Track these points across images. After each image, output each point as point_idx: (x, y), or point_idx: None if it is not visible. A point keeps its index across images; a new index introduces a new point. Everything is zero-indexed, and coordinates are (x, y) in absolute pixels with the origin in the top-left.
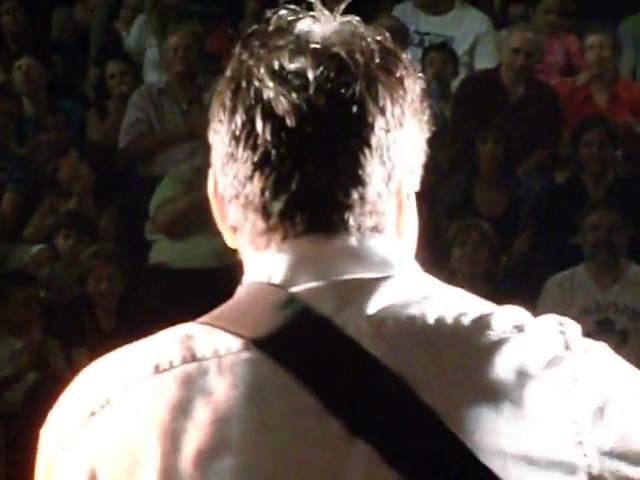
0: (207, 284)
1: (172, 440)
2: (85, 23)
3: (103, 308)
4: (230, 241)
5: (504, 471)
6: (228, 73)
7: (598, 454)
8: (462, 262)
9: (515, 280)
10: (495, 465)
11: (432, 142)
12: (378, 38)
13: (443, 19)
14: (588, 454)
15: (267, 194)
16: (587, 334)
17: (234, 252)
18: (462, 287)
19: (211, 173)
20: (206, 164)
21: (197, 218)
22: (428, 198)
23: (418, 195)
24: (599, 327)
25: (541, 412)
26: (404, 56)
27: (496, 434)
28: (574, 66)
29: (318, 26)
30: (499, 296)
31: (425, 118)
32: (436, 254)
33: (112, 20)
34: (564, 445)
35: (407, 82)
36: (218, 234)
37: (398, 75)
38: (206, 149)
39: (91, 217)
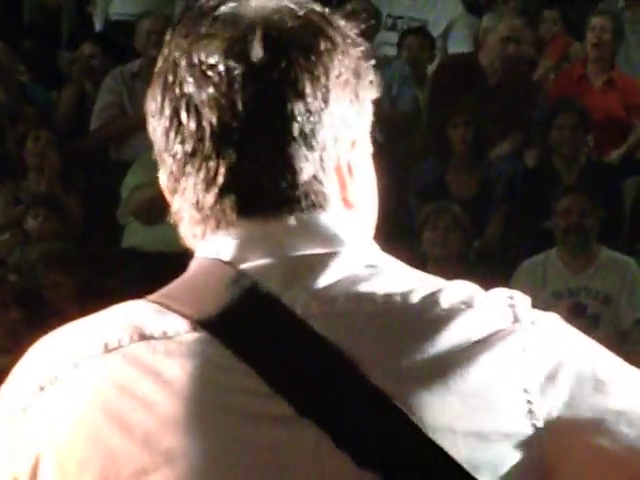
0: (180, 267)
1: (119, 420)
2: (56, 7)
3: (58, 299)
4: (179, 230)
5: (455, 447)
6: (158, 65)
7: (547, 422)
8: (434, 245)
9: (487, 264)
10: (445, 442)
11: (406, 126)
12: (300, 13)
13: (417, 3)
14: (537, 423)
15: (199, 187)
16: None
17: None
18: (434, 270)
19: (159, 166)
20: None
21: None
22: (401, 182)
23: (391, 179)
24: (571, 311)
25: (491, 385)
26: (332, 27)
27: (446, 411)
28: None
29: (239, 8)
30: (471, 279)
31: (366, 81)
32: (408, 237)
33: (83, 3)
34: (514, 416)
35: (331, 57)
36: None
37: (320, 50)
38: None
39: (60, 200)
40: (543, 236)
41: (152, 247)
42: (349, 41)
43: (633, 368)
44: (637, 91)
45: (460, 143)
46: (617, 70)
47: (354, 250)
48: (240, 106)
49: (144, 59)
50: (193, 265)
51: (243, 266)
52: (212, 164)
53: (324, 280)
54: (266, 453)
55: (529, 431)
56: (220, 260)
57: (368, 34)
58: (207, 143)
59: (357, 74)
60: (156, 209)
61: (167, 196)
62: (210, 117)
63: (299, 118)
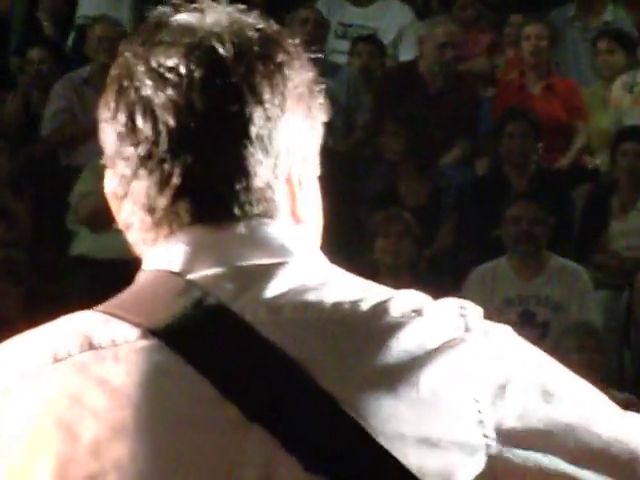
0: (130, 274)
1: (69, 429)
2: (6, 12)
3: (6, 307)
4: (128, 237)
5: (404, 454)
6: (112, 72)
7: (497, 433)
8: (385, 253)
9: (438, 271)
10: (395, 449)
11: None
12: (258, 26)
13: (367, 11)
14: (488, 433)
15: (152, 191)
16: (510, 326)
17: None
18: (385, 278)
19: (107, 172)
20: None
21: None
22: (352, 189)
23: (342, 186)
24: (521, 319)
25: (441, 394)
26: (288, 42)
27: (395, 418)
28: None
29: (196, 18)
30: (422, 288)
31: (318, 102)
32: (360, 245)
33: (33, 9)
34: (464, 425)
35: (289, 68)
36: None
37: (278, 61)
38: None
39: (9, 207)
40: (494, 244)
41: (102, 254)
42: (303, 59)
43: (583, 381)
44: (576, 93)
45: (390, 152)
46: (555, 75)
47: (302, 261)
48: (199, 108)
49: (94, 65)
50: (141, 276)
51: (193, 276)
52: (167, 166)
53: (273, 290)
54: (215, 459)
55: (479, 441)
56: (169, 271)
57: (317, 42)
58: (162, 145)
59: (311, 91)
60: (105, 216)
61: (112, 202)
62: (167, 119)
63: (257, 122)
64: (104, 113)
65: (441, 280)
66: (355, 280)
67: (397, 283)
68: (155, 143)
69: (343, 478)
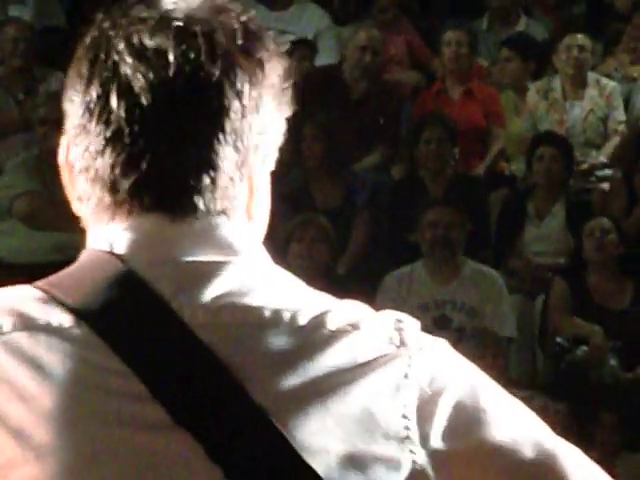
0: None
1: None
2: None
3: None
4: (77, 209)
5: (328, 469)
6: (87, 40)
7: (424, 450)
8: (300, 257)
9: (353, 276)
10: (319, 463)
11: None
12: (242, 18)
13: (283, 14)
14: (414, 449)
15: (117, 171)
16: (424, 331)
17: (75, 246)
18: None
19: (63, 141)
20: (45, 153)
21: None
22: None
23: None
24: (436, 324)
25: (370, 409)
26: (268, 38)
27: (322, 432)
28: (419, 61)
29: (183, 1)
30: (337, 291)
31: (286, 99)
32: (275, 248)
33: None
34: (392, 441)
35: (268, 65)
36: (59, 228)
37: (258, 57)
38: (41, 140)
39: None
40: (410, 249)
41: (17, 259)
42: (280, 57)
43: (514, 399)
44: (495, 100)
45: (308, 158)
46: (475, 81)
47: (247, 261)
48: (177, 95)
49: (6, 66)
50: (85, 256)
51: (136, 265)
52: (136, 149)
53: (214, 290)
54: (138, 458)
55: (406, 457)
56: (112, 254)
57: None
58: (135, 127)
59: (281, 89)
60: (43, 216)
61: (66, 172)
62: (143, 102)
63: (233, 116)
64: (74, 81)
65: (357, 284)
66: (297, 284)
67: (312, 287)
68: (128, 124)
69: None
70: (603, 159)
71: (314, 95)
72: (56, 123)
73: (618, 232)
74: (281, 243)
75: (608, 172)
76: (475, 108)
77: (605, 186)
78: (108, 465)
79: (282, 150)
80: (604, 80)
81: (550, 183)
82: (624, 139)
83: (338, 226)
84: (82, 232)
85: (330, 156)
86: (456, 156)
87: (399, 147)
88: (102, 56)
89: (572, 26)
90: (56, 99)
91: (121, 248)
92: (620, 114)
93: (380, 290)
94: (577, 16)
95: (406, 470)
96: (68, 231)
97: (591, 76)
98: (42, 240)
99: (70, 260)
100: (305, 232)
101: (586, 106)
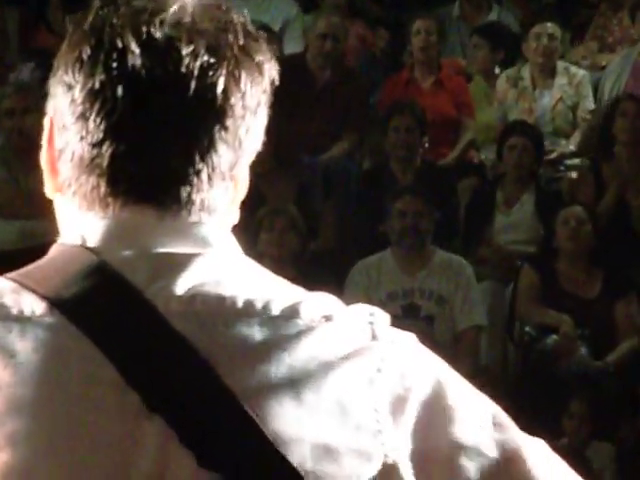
0: (12, 266)
1: None
2: None
3: None
4: (49, 192)
5: (301, 459)
6: (86, 25)
7: (395, 443)
8: (269, 246)
9: (322, 265)
10: (292, 453)
11: None
12: (241, 19)
13: (249, 3)
14: (386, 443)
15: (116, 162)
16: (393, 319)
17: (40, 234)
18: (269, 271)
19: (47, 121)
20: (11, 143)
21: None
22: None
23: None
24: (405, 312)
25: (342, 401)
26: (263, 39)
27: (295, 422)
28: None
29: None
30: (306, 281)
31: (269, 100)
32: (245, 236)
33: None
34: (364, 433)
35: (265, 68)
36: (22, 217)
37: (257, 60)
38: (8, 130)
39: None
40: (378, 237)
41: None
42: (272, 61)
43: (483, 396)
44: (465, 90)
45: (255, 162)
46: (445, 71)
47: (220, 253)
48: (186, 92)
49: None
50: (56, 249)
51: (109, 256)
52: (138, 142)
53: (187, 280)
54: (111, 445)
55: (378, 450)
56: (84, 247)
57: None
58: (138, 120)
59: (270, 92)
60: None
61: (47, 155)
62: (150, 96)
63: (236, 118)
64: (73, 66)
65: (325, 273)
66: (270, 277)
67: (281, 276)
68: (132, 116)
69: (235, 477)
70: (572, 148)
71: (280, 85)
72: (23, 113)
73: (592, 222)
74: (251, 231)
75: (577, 161)
76: (445, 98)
77: (574, 175)
78: (81, 452)
79: None
80: (573, 69)
81: (520, 173)
82: (591, 127)
83: (307, 217)
84: (51, 219)
85: (279, 155)
86: (425, 145)
87: (366, 135)
88: (106, 44)
89: (542, 15)
90: (26, 89)
91: (95, 240)
92: (589, 103)
93: (349, 279)
94: (547, 5)
95: (378, 463)
96: (36, 218)
97: (560, 65)
98: (9, 228)
99: (38, 246)
100: (275, 222)
101: (555, 94)
